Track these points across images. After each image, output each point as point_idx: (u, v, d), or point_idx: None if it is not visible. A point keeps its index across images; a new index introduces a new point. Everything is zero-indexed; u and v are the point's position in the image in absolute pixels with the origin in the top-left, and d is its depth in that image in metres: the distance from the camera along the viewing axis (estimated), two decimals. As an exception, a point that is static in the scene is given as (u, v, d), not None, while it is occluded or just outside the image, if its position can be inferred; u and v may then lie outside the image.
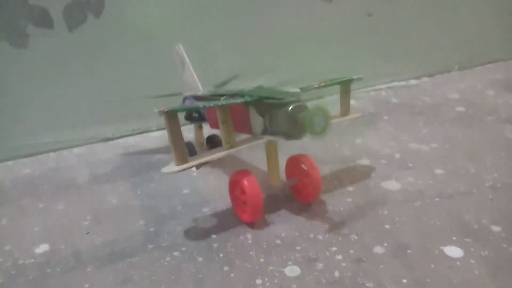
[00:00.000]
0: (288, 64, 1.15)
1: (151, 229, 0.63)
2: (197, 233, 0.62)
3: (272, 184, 0.66)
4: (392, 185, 0.72)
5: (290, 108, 0.54)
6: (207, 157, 0.58)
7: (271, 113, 0.57)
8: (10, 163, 0.93)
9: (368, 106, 1.14)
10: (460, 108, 1.07)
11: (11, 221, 0.69)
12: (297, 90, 0.56)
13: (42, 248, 0.61)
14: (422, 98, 1.17)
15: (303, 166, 0.66)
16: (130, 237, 0.62)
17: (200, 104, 0.69)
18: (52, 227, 0.66)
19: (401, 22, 1.28)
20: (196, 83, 0.82)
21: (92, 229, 0.65)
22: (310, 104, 0.55)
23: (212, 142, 0.88)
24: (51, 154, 0.96)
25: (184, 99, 0.82)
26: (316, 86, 0.64)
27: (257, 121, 0.59)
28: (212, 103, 0.60)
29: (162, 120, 0.55)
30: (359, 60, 1.23)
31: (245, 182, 0.60)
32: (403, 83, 1.32)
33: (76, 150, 0.98)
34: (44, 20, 0.88)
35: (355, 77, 0.68)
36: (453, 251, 0.54)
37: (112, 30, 0.93)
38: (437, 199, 0.67)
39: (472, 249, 0.54)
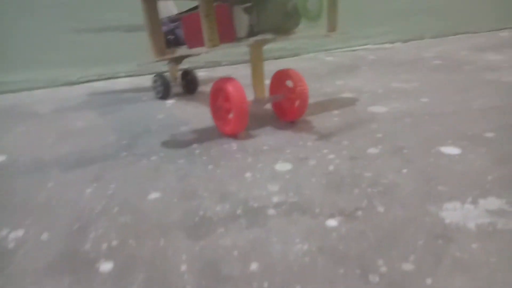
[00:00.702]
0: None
1: (124, 142, 0.58)
2: (176, 143, 0.56)
3: (257, 97, 0.61)
4: (378, 109, 0.69)
5: None
6: (189, 51, 0.52)
7: (258, 7, 0.53)
8: (-39, 102, 0.84)
9: (345, 60, 1.12)
10: (438, 62, 1.07)
11: (-38, 140, 0.61)
12: None
13: (-1, 158, 0.54)
14: (398, 56, 1.16)
15: (289, 81, 0.62)
16: (100, 148, 0.56)
17: None
18: (9, 143, 0.59)
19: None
20: (172, 7, 0.77)
21: (57, 144, 0.58)
22: None
23: (187, 78, 0.82)
24: (9, 95, 0.88)
25: (159, 25, 0.77)
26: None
27: (242, 20, 0.55)
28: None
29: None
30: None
31: (230, 87, 0.55)
32: (378, 46, 1.31)
33: (37, 92, 0.90)
34: None
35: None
36: (451, 150, 0.51)
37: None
38: (427, 117, 0.64)
39: (469, 148, 0.52)
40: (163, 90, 0.78)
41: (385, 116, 0.65)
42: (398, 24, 1.34)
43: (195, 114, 0.69)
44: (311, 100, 0.74)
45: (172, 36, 0.74)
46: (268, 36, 0.53)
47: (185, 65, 0.81)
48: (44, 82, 0.91)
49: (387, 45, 1.33)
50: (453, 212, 0.38)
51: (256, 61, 0.60)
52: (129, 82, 0.95)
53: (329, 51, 1.19)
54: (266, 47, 0.60)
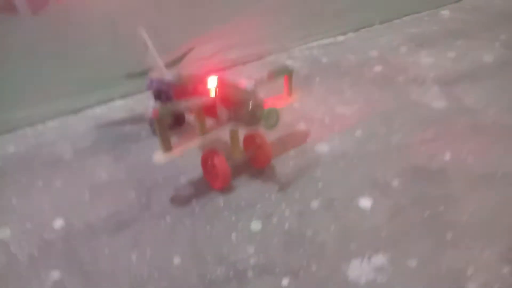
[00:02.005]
0: (232, 31, 1.28)
1: (143, 200, 0.81)
2: (180, 201, 0.81)
3: (235, 157, 0.85)
4: (323, 148, 0.94)
5: (250, 106, 0.72)
6: (188, 144, 0.74)
7: (235, 107, 0.75)
8: (-8, 139, 1.03)
9: (303, 66, 1.33)
10: (378, 68, 1.29)
11: (20, 199, 0.84)
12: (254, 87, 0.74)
13: (59, 223, 0.77)
14: (347, 57, 1.37)
15: (257, 140, 0.85)
16: (128, 208, 0.80)
17: (182, 104, 0.80)
18: (58, 204, 0.82)
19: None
20: (159, 65, 0.96)
21: (95, 203, 0.81)
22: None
23: (177, 116, 1.03)
24: (28, 129, 1.07)
25: (151, 81, 0.96)
26: (267, 79, 0.81)
27: (223, 112, 0.77)
28: (189, 103, 0.75)
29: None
30: (295, 23, 1.39)
31: (215, 158, 0.79)
32: (332, 39, 1.50)
33: (50, 123, 1.09)
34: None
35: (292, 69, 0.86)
36: (365, 203, 0.77)
37: (75, 12, 1.01)
38: (355, 160, 0.89)
39: (378, 199, 0.78)
40: (159, 129, 0.99)
41: (327, 158, 0.90)
42: (350, 14, 1.52)
43: (188, 161, 0.90)
44: (274, 135, 0.98)
45: (164, 96, 0.94)
46: (240, 126, 0.76)
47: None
48: (54, 113, 1.10)
49: (340, 38, 1.52)
50: (355, 270, 0.65)
51: (233, 135, 0.82)
52: (123, 106, 1.15)
53: (289, 50, 1.39)
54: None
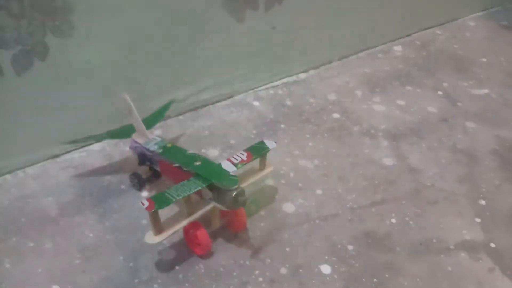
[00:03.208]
0: (204, 76, 1.36)
1: (131, 264, 0.91)
2: (165, 266, 0.91)
3: (213, 224, 0.96)
4: (289, 207, 1.06)
5: (234, 194, 0.83)
6: (177, 227, 0.85)
7: (218, 192, 0.85)
8: (-28, 190, 1.07)
9: (268, 110, 1.44)
10: (336, 115, 1.42)
11: (14, 264, 0.90)
12: (236, 177, 0.85)
13: (55, 290, 0.85)
14: (308, 100, 1.49)
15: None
16: (118, 273, 0.88)
17: (174, 193, 0.83)
18: (51, 269, 0.89)
19: (293, 28, 1.53)
20: (143, 131, 1.04)
21: (86, 267, 0.90)
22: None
23: (155, 170, 1.12)
24: (8, 177, 1.11)
25: (135, 145, 1.04)
26: (246, 161, 0.92)
27: (206, 192, 0.88)
28: (180, 194, 0.83)
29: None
30: (262, 65, 1.49)
31: (197, 231, 0.89)
32: (294, 77, 1.62)
33: (30, 171, 1.14)
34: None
35: (270, 147, 0.97)
36: (325, 269, 0.92)
37: (57, 72, 1.05)
38: (317, 221, 1.03)
39: (336, 266, 0.92)
40: (139, 185, 1.08)
41: (292, 220, 1.03)
42: (311, 52, 1.63)
43: (168, 216, 1.00)
44: (247, 191, 1.09)
45: (148, 162, 1.02)
46: (222, 207, 0.87)
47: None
48: (34, 160, 1.14)
49: (302, 75, 1.64)
50: (317, 337, 0.80)
51: (214, 210, 0.93)
52: (100, 151, 1.21)
53: (256, 89, 1.50)
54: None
